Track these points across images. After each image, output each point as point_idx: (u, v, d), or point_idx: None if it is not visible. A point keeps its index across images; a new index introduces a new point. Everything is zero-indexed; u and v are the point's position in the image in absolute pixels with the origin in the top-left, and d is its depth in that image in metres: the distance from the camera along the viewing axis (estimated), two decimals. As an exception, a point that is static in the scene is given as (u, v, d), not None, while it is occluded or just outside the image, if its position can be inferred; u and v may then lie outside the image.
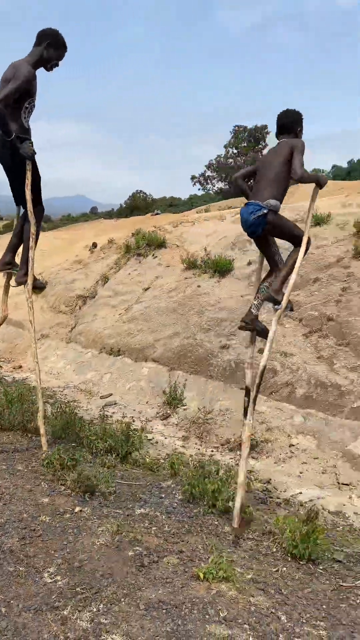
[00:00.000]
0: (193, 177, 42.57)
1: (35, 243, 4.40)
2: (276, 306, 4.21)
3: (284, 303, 4.14)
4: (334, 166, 67.07)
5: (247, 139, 41.19)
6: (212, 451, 6.21)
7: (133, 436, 4.98)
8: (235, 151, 41.87)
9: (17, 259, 4.81)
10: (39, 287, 4.67)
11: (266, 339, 4.37)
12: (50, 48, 4.06)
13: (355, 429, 6.01)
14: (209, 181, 43.05)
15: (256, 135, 40.92)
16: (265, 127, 41.34)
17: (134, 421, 6.90)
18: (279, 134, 4.09)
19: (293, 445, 6.07)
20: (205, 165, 43.34)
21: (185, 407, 7.37)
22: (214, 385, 7.54)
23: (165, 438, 6.53)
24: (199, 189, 45.71)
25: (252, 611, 2.59)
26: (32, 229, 4.30)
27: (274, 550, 3.26)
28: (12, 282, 4.58)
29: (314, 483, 5.37)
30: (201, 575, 2.73)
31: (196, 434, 6.63)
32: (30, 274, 4.36)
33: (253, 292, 9.00)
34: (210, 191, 44.24)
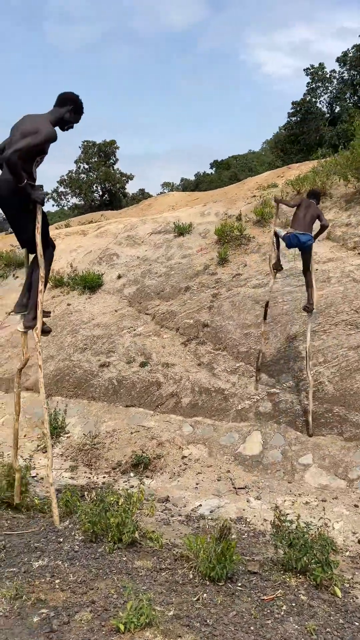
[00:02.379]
0: (46, 194, 41.32)
1: (44, 286, 4.37)
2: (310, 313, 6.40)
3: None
4: (182, 179, 70.16)
5: (97, 154, 41.18)
6: (105, 477, 5.86)
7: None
8: (86, 166, 41.62)
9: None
10: (45, 332, 4.62)
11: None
12: (72, 112, 4.25)
13: (242, 430, 6.11)
14: (62, 197, 42.16)
15: (106, 150, 41.10)
16: (113, 142, 41.71)
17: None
18: (309, 196, 6.70)
19: (185, 456, 5.98)
20: (57, 181, 42.39)
21: (68, 435, 6.90)
22: (98, 406, 7.20)
23: (52, 472, 6.01)
24: (52, 205, 44.57)
25: (182, 654, 2.37)
26: (42, 272, 4.25)
27: (191, 576, 3.07)
28: (20, 327, 4.49)
29: (212, 492, 5.31)
30: (121, 627, 2.43)
31: (84, 462, 6.22)
32: (39, 318, 4.29)
33: (126, 306, 8.82)
34: (65, 207, 43.37)
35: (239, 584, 3.08)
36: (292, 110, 36.28)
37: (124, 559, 3.28)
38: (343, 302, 6.79)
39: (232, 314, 7.46)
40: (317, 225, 6.33)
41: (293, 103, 35.39)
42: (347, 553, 4.15)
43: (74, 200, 42.73)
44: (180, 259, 9.33)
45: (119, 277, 9.49)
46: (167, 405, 6.78)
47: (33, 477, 5.78)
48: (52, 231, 15.22)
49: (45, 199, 4.22)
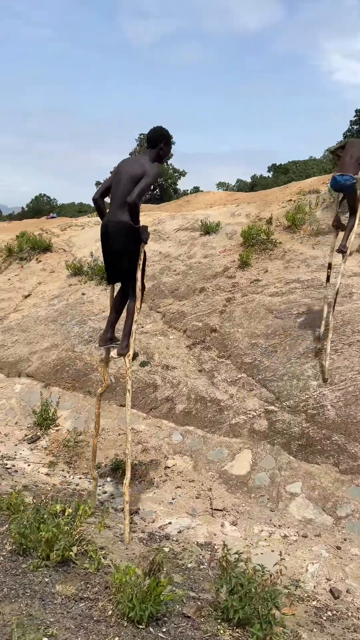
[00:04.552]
0: (98, 184, 41.79)
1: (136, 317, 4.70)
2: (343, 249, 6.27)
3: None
4: (238, 180, 69.39)
5: (153, 147, 41.16)
6: (80, 478, 5.58)
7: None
8: (141, 159, 41.67)
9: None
10: (133, 357, 4.88)
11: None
12: (165, 147, 4.51)
13: (233, 446, 5.69)
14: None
15: (161, 144, 41.09)
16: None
17: (-7, 447, 6.09)
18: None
19: (169, 467, 5.61)
20: (111, 172, 42.81)
21: (57, 428, 6.67)
22: (92, 402, 6.90)
23: (29, 465, 5.79)
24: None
25: None
26: (138, 304, 4.59)
27: (110, 613, 2.71)
28: (114, 353, 4.84)
29: (186, 510, 4.92)
30: (-2, 668, 2.12)
31: (65, 459, 5.96)
32: (131, 346, 4.61)
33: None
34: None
35: (164, 629, 2.70)
36: (355, 117, 35.06)
37: (46, 580, 2.96)
38: (361, 321, 6.23)
39: (242, 322, 7.03)
40: None
41: (356, 111, 34.17)
42: (314, 602, 3.69)
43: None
44: (201, 258, 8.94)
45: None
46: (160, 409, 6.43)
47: (7, 468, 5.58)
48: (84, 219, 15.10)
49: (148, 239, 4.53)
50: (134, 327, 4.64)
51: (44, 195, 51.88)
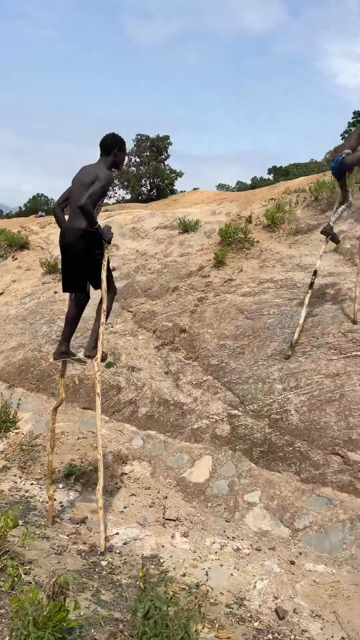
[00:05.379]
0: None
1: (105, 320, 4.58)
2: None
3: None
4: (238, 182, 69.14)
5: (150, 148, 40.93)
6: (32, 484, 5.31)
7: None
8: (137, 160, 41.43)
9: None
10: (102, 359, 4.79)
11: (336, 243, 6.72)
12: (119, 152, 4.47)
13: (193, 452, 5.42)
14: (110, 189, 42.15)
15: (158, 145, 40.78)
16: (167, 137, 41.32)
17: None
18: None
19: (125, 473, 5.35)
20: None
21: (17, 431, 6.40)
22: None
23: None
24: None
25: None
26: (104, 306, 4.51)
27: (6, 640, 2.46)
28: (82, 355, 4.79)
29: (137, 520, 4.65)
30: None
31: (19, 464, 5.69)
32: (100, 348, 4.50)
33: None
34: (112, 198, 43.35)
35: (66, 659, 2.44)
36: (353, 119, 34.88)
37: None
38: (332, 323, 5.97)
39: (212, 322, 6.77)
40: None
41: (354, 112, 33.98)
42: (256, 624, 3.42)
43: (121, 192, 42.61)
44: (177, 257, 8.69)
45: (113, 269, 8.93)
46: (123, 412, 6.18)
47: None
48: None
49: (111, 239, 4.47)
50: (102, 329, 4.53)
51: (41, 194, 51.70)
